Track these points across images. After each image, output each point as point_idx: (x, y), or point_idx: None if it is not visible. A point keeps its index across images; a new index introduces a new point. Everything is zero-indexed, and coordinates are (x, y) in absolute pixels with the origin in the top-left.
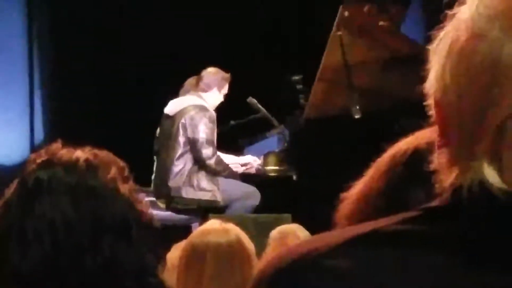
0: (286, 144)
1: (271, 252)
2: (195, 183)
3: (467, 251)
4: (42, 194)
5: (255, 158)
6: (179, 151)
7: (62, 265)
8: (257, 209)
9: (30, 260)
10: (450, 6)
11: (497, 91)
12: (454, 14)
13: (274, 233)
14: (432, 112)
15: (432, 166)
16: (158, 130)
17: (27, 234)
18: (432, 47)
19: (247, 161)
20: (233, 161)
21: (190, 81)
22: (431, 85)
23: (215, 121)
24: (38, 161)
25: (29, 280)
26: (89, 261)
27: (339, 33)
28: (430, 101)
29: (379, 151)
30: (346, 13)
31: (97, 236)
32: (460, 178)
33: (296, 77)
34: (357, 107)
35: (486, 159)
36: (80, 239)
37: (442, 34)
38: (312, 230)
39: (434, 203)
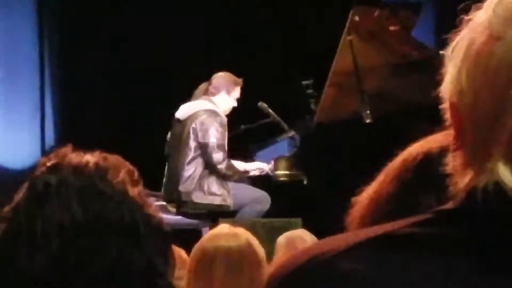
0: (296, 149)
1: (279, 258)
2: (205, 187)
3: (482, 253)
4: (51, 197)
5: (265, 164)
6: (190, 156)
7: (70, 266)
8: (267, 214)
9: (38, 261)
10: (466, 10)
11: None
12: (469, 19)
13: (281, 239)
14: (447, 115)
15: (446, 169)
16: (169, 134)
17: (35, 236)
18: (447, 50)
19: (261, 167)
20: (245, 168)
21: (202, 86)
22: (446, 88)
23: (226, 126)
24: (48, 164)
25: (36, 282)
26: (97, 262)
27: (350, 37)
28: (445, 105)
29: (390, 156)
30: (357, 18)
31: (105, 238)
32: (474, 180)
33: (306, 82)
34: (368, 112)
35: (501, 160)
36: (88, 240)
37: (458, 37)
38: (323, 234)
39: (448, 205)
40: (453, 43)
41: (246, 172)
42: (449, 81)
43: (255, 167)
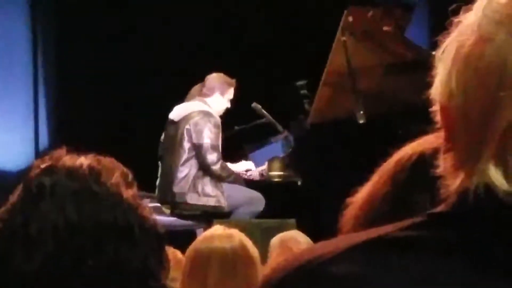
0: (290, 150)
1: (273, 259)
2: (199, 188)
3: (474, 256)
4: (45, 198)
5: (251, 163)
6: (184, 157)
7: (66, 266)
8: (262, 215)
9: (33, 262)
10: (456, 12)
11: (504, 94)
12: (459, 21)
13: (275, 240)
14: (437, 117)
15: (438, 171)
16: (162, 136)
17: (30, 237)
18: (438, 52)
19: (247, 168)
20: (234, 169)
21: (196, 87)
22: (437, 90)
23: (220, 127)
24: (42, 166)
25: (32, 282)
26: (92, 263)
27: (344, 38)
28: (436, 107)
29: (384, 156)
30: (350, 18)
31: (99, 239)
32: (466, 182)
33: (300, 82)
34: (362, 112)
35: (492, 162)
36: (83, 241)
37: (448, 39)
38: (317, 235)
39: (440, 208)
40: (443, 45)
41: (240, 173)
42: (439, 83)
43: (244, 168)
